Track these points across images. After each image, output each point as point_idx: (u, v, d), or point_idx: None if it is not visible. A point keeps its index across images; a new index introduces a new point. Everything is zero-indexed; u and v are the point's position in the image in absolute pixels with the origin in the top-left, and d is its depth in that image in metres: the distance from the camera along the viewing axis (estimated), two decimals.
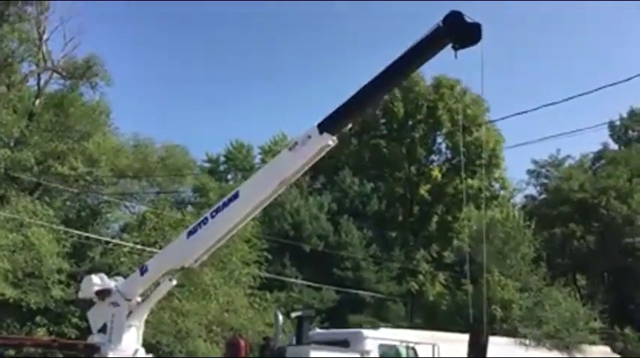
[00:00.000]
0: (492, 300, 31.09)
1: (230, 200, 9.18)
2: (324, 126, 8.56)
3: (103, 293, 9.64)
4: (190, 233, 9.49)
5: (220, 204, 9.27)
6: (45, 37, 29.83)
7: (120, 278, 10.19)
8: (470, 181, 41.25)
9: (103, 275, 9.99)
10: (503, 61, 70.03)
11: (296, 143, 8.82)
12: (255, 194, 9.10)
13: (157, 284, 9.85)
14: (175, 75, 70.47)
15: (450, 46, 7.76)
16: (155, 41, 72.10)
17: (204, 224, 9.34)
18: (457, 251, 39.81)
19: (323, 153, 8.91)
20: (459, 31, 7.58)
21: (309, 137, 8.70)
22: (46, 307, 22.96)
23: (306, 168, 9.13)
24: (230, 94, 74.49)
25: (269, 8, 70.70)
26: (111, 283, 9.78)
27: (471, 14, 7.52)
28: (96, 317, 9.72)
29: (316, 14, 75.00)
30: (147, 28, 70.91)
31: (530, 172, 46.90)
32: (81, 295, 10.13)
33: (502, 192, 43.92)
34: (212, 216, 9.26)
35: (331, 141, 8.71)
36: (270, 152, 45.81)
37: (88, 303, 9.97)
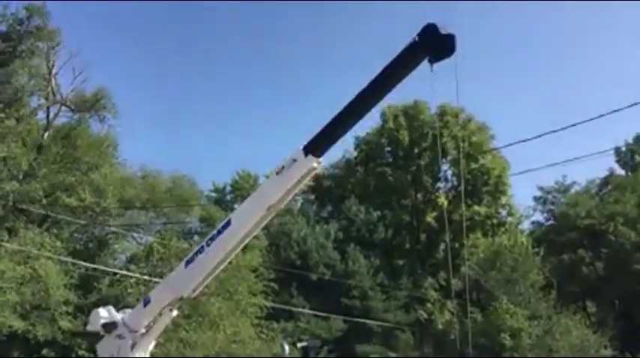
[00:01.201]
0: (501, 329, 30.82)
1: (224, 227, 9.15)
2: (309, 149, 8.39)
3: (109, 326, 9.61)
4: (188, 262, 9.47)
5: (215, 232, 9.27)
6: (54, 71, 30.34)
7: (128, 311, 10.19)
8: (476, 208, 41.21)
9: (110, 307, 9.99)
10: (508, 87, 70.70)
11: (282, 167, 8.71)
12: (245, 221, 9.05)
13: (160, 315, 9.83)
14: (181, 106, 71.30)
15: (428, 61, 7.74)
16: (162, 73, 73.17)
17: (201, 252, 9.30)
18: (464, 278, 39.59)
19: (309, 177, 8.80)
20: (434, 44, 7.57)
21: (295, 160, 8.47)
22: (54, 339, 22.93)
23: (293, 192, 9.03)
24: (235, 124, 75.13)
25: (274, 46, 72.00)
26: (117, 316, 9.77)
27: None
28: (103, 350, 9.70)
29: (319, 42, 76.17)
30: (154, 59, 72.02)
31: (536, 199, 46.85)
32: (89, 328, 10.11)
33: (509, 219, 43.74)
34: (207, 245, 9.24)
35: (316, 163, 8.53)
36: None
37: (97, 336, 9.97)
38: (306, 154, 8.37)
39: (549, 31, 69.01)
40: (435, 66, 7.67)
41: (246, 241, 9.31)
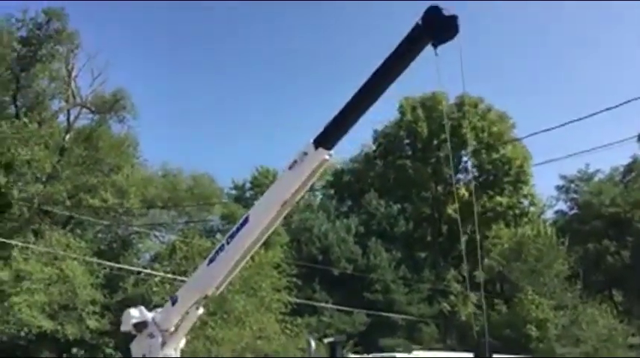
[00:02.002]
0: (527, 320, 30.59)
1: (242, 225, 9.19)
2: (319, 142, 8.30)
3: (140, 326, 9.73)
4: (210, 261, 9.56)
5: (234, 229, 9.34)
6: (74, 74, 30.70)
7: (159, 310, 10.30)
8: (498, 198, 40.87)
9: (142, 307, 10.10)
10: (528, 75, 69.91)
11: (295, 161, 8.68)
12: (262, 217, 9.06)
13: (187, 313, 9.93)
14: (198, 103, 71.61)
15: (432, 44, 7.65)
16: (180, 70, 73.51)
17: (222, 251, 9.37)
18: (488, 270, 39.32)
19: (321, 170, 8.75)
20: (438, 26, 7.43)
21: (306, 154, 8.40)
22: (82, 338, 23.26)
23: (307, 186, 9.00)
24: (253, 120, 75.35)
25: (292, 44, 72.04)
26: (148, 315, 9.88)
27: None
28: (136, 349, 9.82)
29: (337, 38, 76.04)
30: (172, 57, 72.38)
31: (559, 188, 46.27)
32: (122, 328, 10.25)
33: (532, 209, 43.31)
34: (227, 243, 9.31)
35: (327, 155, 8.40)
36: None
37: (124, 335, 10.09)
38: (316, 147, 8.28)
39: (571, 19, 68.05)
40: (441, 52, 7.62)
41: (265, 237, 9.34)
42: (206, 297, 9.71)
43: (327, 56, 76.68)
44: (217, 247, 9.58)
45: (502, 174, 40.91)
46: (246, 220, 9.14)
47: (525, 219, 40.97)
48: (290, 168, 8.67)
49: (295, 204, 9.48)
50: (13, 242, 24.14)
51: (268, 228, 9.15)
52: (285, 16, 74.39)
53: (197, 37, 72.33)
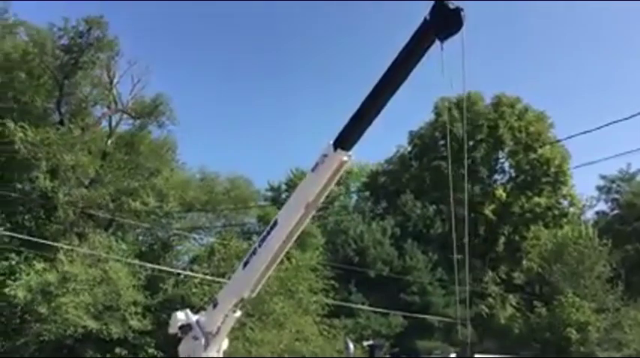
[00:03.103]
0: (567, 323, 30.10)
1: (272, 228, 9.43)
2: (337, 143, 8.50)
3: (185, 328, 10.10)
4: (245, 264, 9.81)
5: (265, 233, 9.59)
6: (115, 80, 31.42)
7: (204, 312, 10.61)
8: (536, 199, 40.29)
9: (187, 310, 10.44)
10: (566, 74, 68.63)
11: (316, 164, 8.82)
12: (288, 220, 9.26)
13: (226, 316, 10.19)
14: (234, 105, 72.40)
15: (438, 39, 7.63)
16: (216, 74, 74.45)
17: (255, 254, 9.63)
18: (527, 271, 38.79)
19: (341, 171, 8.90)
20: (444, 19, 7.46)
21: (325, 156, 8.63)
22: (125, 338, 23.85)
23: (329, 188, 9.13)
24: (289, 121, 75.77)
25: (328, 44, 72.05)
26: (193, 318, 10.21)
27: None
28: (183, 351, 10.17)
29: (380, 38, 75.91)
30: (207, 60, 73.38)
31: (599, 188, 45.34)
32: (170, 330, 10.61)
33: (571, 210, 42.54)
34: (259, 246, 9.55)
35: (346, 157, 8.58)
36: None
37: (172, 337, 10.42)
38: (335, 149, 8.48)
39: (613, 18, 66.53)
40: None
41: (294, 239, 9.56)
42: (242, 300, 9.98)
43: (362, 59, 76.62)
44: (251, 250, 9.85)
45: (540, 174, 40.33)
46: (275, 223, 9.38)
47: (565, 220, 40.29)
48: (312, 170, 8.90)
49: (324, 205, 9.67)
50: (59, 245, 24.89)
51: (296, 230, 9.35)
52: (317, 19, 74.73)
53: (232, 42, 73.30)
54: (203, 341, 9.97)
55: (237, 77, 74.86)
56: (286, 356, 22.13)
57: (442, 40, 7.54)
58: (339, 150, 8.49)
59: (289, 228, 9.20)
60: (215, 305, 10.16)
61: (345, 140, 8.50)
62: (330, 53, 74.75)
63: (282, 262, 24.54)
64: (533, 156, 40.18)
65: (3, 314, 24.68)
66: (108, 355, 23.88)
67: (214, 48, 73.68)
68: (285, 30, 77.78)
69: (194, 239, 32.23)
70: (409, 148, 43.31)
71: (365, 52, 73.84)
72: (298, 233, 9.42)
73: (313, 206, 9.12)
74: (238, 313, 10.08)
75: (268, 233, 9.42)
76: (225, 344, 10.43)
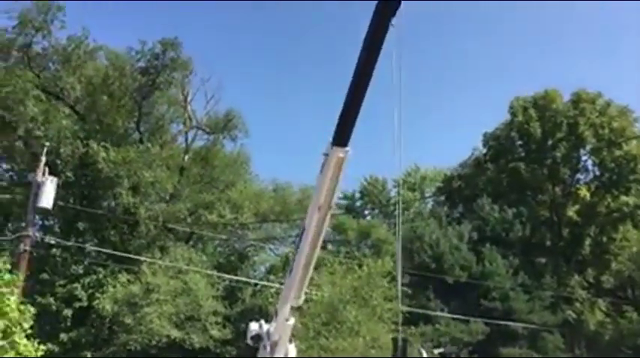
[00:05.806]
0: None
1: (302, 233, 9.69)
2: (334, 140, 8.70)
3: (256, 338, 10.41)
4: (290, 271, 10.09)
5: (298, 239, 9.85)
6: (189, 98, 32.71)
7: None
8: (623, 198, 38.20)
9: (262, 321, 10.74)
10: None
11: (323, 164, 8.95)
12: (310, 225, 9.42)
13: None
14: (302, 112, 73.20)
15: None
16: (289, 87, 75.74)
17: (294, 261, 9.89)
18: (617, 275, 36.81)
19: (341, 168, 8.95)
20: None
21: (326, 155, 8.86)
22: (207, 347, 24.61)
23: (336, 188, 9.22)
24: (361, 129, 75.58)
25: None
26: (265, 328, 10.49)
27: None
28: None
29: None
30: (279, 75, 74.81)
31: None
32: (247, 341, 10.98)
33: None
34: (295, 253, 9.84)
35: (342, 153, 8.75)
36: (405, 183, 45.66)
37: (255, 348, 10.75)
38: (332, 146, 8.69)
39: None
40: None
41: (319, 243, 9.73)
42: (292, 308, 10.21)
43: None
44: (292, 258, 10.15)
45: (627, 172, 38.21)
46: (303, 228, 9.62)
47: None
48: (320, 171, 9.05)
49: (334, 207, 9.73)
50: (142, 258, 26.11)
51: (318, 234, 9.52)
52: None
53: (301, 53, 74.35)
54: (268, 349, 10.25)
55: (305, 88, 75.85)
56: None
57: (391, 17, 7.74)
58: (335, 147, 8.72)
59: (312, 232, 9.41)
60: (276, 314, 10.43)
61: (339, 136, 8.71)
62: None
63: (355, 270, 24.65)
64: (618, 152, 38.14)
65: (93, 325, 26.11)
66: None
67: (283, 58, 75.03)
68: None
69: (269, 249, 32.89)
70: (484, 150, 42.22)
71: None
72: (322, 236, 9.62)
73: (325, 207, 9.29)
74: (292, 321, 10.30)
75: (300, 239, 9.75)
76: (292, 352, 10.59)
